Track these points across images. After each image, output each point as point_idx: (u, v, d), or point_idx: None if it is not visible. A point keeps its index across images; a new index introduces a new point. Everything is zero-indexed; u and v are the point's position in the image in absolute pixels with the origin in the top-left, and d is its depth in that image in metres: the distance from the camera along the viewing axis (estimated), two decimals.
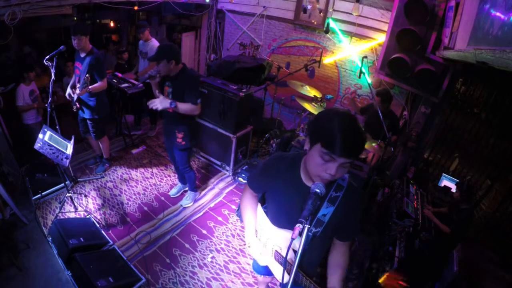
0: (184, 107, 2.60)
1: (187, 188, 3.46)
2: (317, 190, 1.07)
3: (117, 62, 5.08)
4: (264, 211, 1.53)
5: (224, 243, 2.94)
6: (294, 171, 1.29)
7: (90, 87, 2.99)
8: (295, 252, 1.19)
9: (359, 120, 1.13)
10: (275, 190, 1.39)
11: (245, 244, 1.60)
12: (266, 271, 1.72)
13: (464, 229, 3.03)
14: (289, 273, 1.02)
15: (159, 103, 2.54)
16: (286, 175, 1.31)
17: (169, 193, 3.48)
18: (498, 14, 1.61)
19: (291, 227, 1.06)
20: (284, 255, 0.97)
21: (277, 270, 1.46)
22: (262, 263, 1.53)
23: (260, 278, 1.94)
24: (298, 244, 1.02)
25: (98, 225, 2.87)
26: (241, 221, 3.22)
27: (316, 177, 1.13)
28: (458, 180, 3.71)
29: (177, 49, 2.60)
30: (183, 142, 2.85)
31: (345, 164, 1.07)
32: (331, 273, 1.38)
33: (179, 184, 3.51)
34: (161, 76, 2.60)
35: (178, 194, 3.48)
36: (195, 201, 3.42)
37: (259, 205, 1.59)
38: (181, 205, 3.33)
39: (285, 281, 1.22)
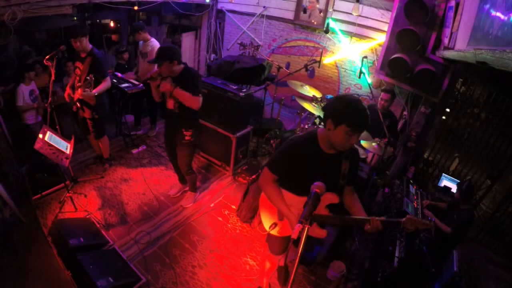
0: (184, 93, 2.58)
1: (187, 188, 3.46)
2: (317, 191, 1.08)
3: (117, 62, 5.07)
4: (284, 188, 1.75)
5: (224, 243, 2.94)
6: (314, 144, 1.61)
7: (94, 90, 2.99)
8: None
9: None
10: (300, 166, 1.63)
11: (266, 231, 1.88)
12: (284, 250, 2.00)
13: (465, 229, 3.03)
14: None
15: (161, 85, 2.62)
16: (308, 150, 1.61)
17: (169, 193, 3.48)
18: (498, 14, 1.61)
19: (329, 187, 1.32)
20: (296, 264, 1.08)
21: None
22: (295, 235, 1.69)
23: (277, 258, 2.08)
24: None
25: (98, 225, 2.87)
26: (242, 221, 3.23)
27: (341, 147, 1.53)
28: (458, 180, 3.71)
29: (178, 49, 2.61)
30: (192, 139, 2.88)
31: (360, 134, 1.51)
32: (355, 208, 1.73)
33: (179, 184, 3.51)
34: (162, 78, 2.60)
35: (178, 194, 3.48)
36: (195, 201, 3.42)
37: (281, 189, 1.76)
38: (181, 206, 3.33)
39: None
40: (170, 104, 2.75)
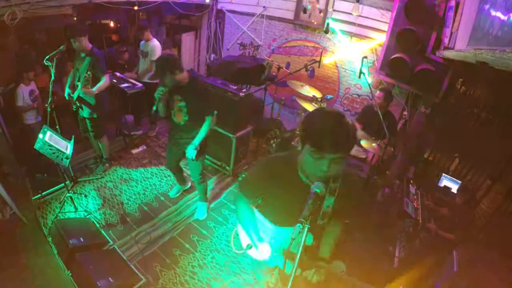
0: (203, 132, 2.57)
1: (186, 188, 3.45)
2: (317, 190, 1.07)
3: (117, 62, 5.07)
4: (259, 212, 1.54)
5: (224, 243, 2.94)
6: (291, 170, 1.29)
7: (94, 89, 2.99)
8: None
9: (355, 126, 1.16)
10: (274, 193, 1.38)
11: (241, 251, 1.66)
12: (266, 269, 1.74)
13: (466, 232, 3.05)
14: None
15: (189, 155, 2.60)
16: (284, 175, 1.31)
17: (168, 194, 3.48)
18: (498, 14, 1.62)
19: (294, 224, 1.07)
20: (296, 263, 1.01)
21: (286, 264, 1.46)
22: (271, 263, 1.52)
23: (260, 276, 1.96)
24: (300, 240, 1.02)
25: (98, 225, 2.87)
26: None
27: (311, 175, 1.17)
28: (458, 181, 3.71)
29: (176, 57, 2.46)
30: (200, 149, 2.73)
31: (336, 159, 1.10)
32: (323, 243, 1.46)
33: (178, 185, 3.49)
34: (169, 90, 2.47)
35: (178, 195, 3.47)
36: (195, 201, 3.41)
37: (256, 211, 1.57)
38: (198, 219, 3.20)
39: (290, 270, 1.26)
40: (178, 117, 2.63)
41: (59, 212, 2.92)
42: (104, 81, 3.11)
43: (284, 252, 1.41)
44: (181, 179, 3.42)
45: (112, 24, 6.60)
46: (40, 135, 2.55)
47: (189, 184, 3.55)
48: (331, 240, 1.46)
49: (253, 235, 1.49)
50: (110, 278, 2.15)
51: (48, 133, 2.64)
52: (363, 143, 3.19)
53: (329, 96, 4.73)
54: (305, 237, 1.00)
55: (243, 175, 3.83)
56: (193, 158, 2.62)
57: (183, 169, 3.39)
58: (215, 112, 2.56)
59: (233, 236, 1.76)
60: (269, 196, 1.42)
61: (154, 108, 2.51)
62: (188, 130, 2.65)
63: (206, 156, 4.07)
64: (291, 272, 1.02)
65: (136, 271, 2.45)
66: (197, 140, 2.58)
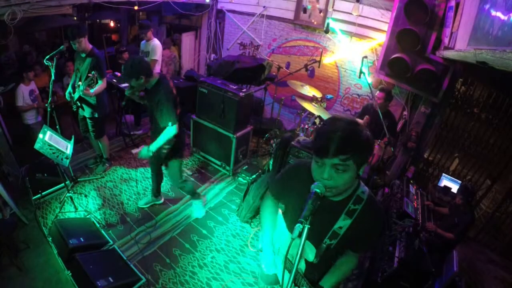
0: (160, 141, 2.45)
1: (158, 202, 3.30)
2: (317, 190, 1.07)
3: (117, 62, 5.08)
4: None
5: (224, 243, 2.95)
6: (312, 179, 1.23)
7: (92, 91, 3.01)
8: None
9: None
10: (295, 199, 1.34)
11: (245, 246, 1.60)
12: (273, 281, 1.71)
13: (466, 231, 3.05)
14: (290, 273, 1.02)
15: (140, 155, 2.51)
16: (308, 184, 1.23)
17: (137, 203, 3.29)
18: (498, 14, 1.61)
19: (309, 236, 1.03)
20: (296, 264, 0.98)
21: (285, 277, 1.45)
22: (270, 271, 1.50)
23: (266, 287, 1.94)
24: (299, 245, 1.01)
25: (98, 225, 2.87)
26: (241, 221, 3.23)
27: (316, 180, 1.15)
28: (458, 181, 3.71)
29: (143, 63, 2.38)
30: (170, 155, 2.74)
31: (337, 166, 1.04)
32: (329, 274, 1.38)
33: (149, 196, 3.29)
34: (139, 91, 2.46)
35: (147, 206, 3.26)
36: (205, 204, 3.36)
37: (280, 212, 1.55)
38: (196, 218, 3.19)
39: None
40: None
41: (59, 212, 2.93)
42: (101, 84, 3.12)
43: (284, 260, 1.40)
44: (156, 188, 3.21)
45: (112, 24, 6.62)
46: (40, 135, 2.55)
47: (162, 199, 3.36)
48: (338, 275, 1.36)
49: (264, 234, 1.48)
50: (110, 278, 2.15)
51: (48, 133, 2.64)
52: None
53: (329, 96, 4.74)
54: (304, 239, 0.98)
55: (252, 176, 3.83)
56: (144, 157, 2.58)
57: (164, 177, 3.24)
58: (171, 124, 2.39)
59: (252, 235, 1.74)
60: (291, 201, 1.40)
61: (123, 103, 2.53)
62: (156, 135, 2.54)
63: (207, 156, 4.10)
64: (291, 273, 1.00)
65: (136, 271, 2.45)
66: (153, 146, 2.48)
